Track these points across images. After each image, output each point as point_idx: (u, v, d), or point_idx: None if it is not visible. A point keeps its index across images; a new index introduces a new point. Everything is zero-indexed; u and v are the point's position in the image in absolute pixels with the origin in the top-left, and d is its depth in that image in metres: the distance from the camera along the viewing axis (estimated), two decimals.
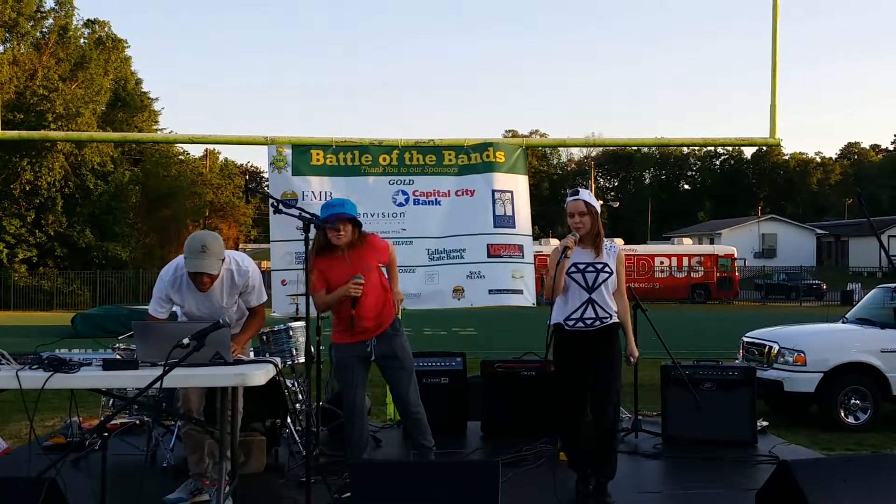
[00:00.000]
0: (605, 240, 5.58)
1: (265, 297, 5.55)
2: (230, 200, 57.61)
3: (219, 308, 5.26)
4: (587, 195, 5.56)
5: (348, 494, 4.96)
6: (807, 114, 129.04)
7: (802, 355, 9.19)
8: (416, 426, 5.64)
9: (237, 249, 5.69)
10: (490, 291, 7.95)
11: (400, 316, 5.93)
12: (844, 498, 4.28)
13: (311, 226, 5.00)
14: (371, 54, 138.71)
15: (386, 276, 5.77)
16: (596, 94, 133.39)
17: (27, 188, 42.28)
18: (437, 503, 3.73)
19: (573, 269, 5.47)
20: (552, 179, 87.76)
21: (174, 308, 5.58)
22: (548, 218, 75.28)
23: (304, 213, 5.10)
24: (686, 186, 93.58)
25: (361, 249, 5.50)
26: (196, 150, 68.39)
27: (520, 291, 8.05)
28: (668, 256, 46.32)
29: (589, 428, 5.67)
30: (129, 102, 52.86)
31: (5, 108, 38.66)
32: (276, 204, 5.52)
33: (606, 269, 5.48)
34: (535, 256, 8.47)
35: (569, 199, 5.60)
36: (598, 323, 5.46)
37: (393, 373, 5.63)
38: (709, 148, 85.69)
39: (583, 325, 5.47)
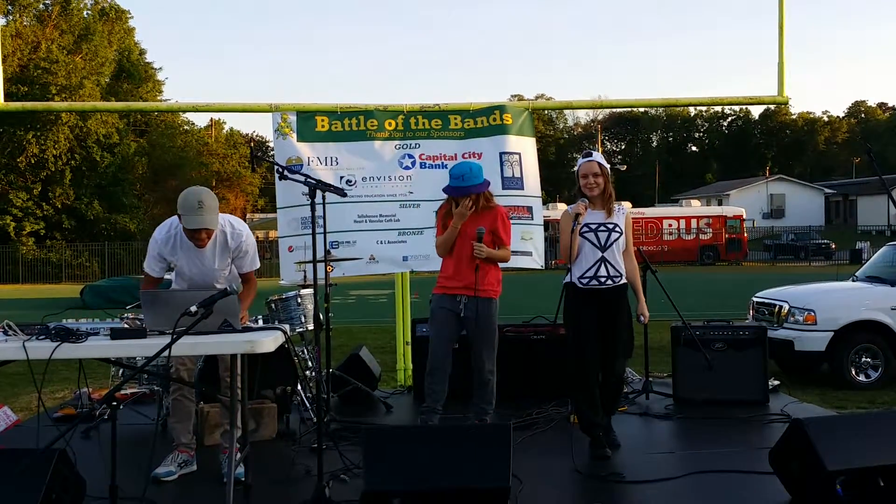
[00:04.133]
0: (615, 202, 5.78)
1: (258, 265, 5.48)
2: (236, 170, 57.48)
3: (210, 269, 5.22)
4: (600, 157, 5.78)
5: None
6: (813, 73, 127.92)
7: (813, 314, 9.13)
8: (483, 390, 5.77)
9: (244, 219, 5.62)
10: None
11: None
12: (858, 455, 4.26)
13: (317, 190, 4.94)
14: (375, 19, 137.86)
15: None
16: (601, 59, 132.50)
17: (33, 161, 42.31)
18: (450, 467, 3.72)
19: (585, 229, 5.64)
20: (559, 144, 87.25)
21: (168, 276, 5.54)
22: (555, 182, 74.97)
23: (309, 179, 5.04)
24: (694, 148, 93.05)
25: (486, 213, 5.79)
26: (201, 121, 68.36)
27: (529, 253, 8.01)
28: (677, 219, 46.15)
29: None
30: (133, 73, 52.69)
31: (9, 81, 38.53)
32: (281, 170, 5.46)
33: (617, 229, 5.66)
34: (544, 220, 8.43)
35: (582, 160, 5.78)
36: (609, 282, 5.64)
37: (475, 337, 5.73)
38: (716, 109, 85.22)
39: (596, 282, 5.64)
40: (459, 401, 6.04)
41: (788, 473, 4.54)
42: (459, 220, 5.69)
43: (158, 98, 53.11)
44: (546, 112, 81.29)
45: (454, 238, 5.75)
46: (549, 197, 61.83)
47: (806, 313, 9.17)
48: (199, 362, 5.85)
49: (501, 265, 8.10)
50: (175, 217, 5.11)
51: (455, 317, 5.75)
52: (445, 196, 7.67)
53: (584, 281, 5.65)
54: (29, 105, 12.93)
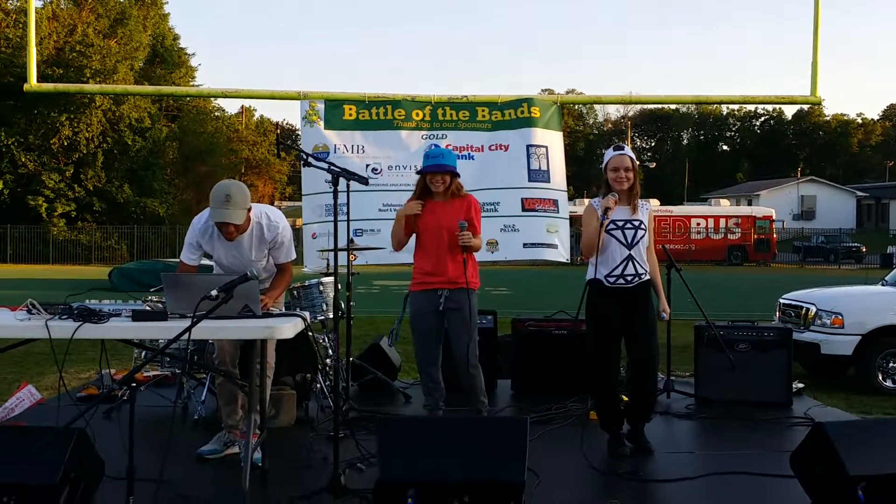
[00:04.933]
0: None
1: (294, 256, 5.53)
2: (265, 157, 57.73)
3: (247, 260, 5.26)
4: (630, 151, 5.64)
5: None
6: (848, 74, 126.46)
7: (840, 318, 9.02)
8: (474, 385, 5.65)
9: (272, 206, 5.68)
10: (525, 245, 7.92)
11: None
12: (881, 461, 4.19)
13: (340, 178, 4.94)
14: (404, 10, 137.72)
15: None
16: (632, 57, 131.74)
17: (65, 143, 42.79)
18: (465, 459, 3.70)
19: (612, 226, 5.52)
20: (588, 139, 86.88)
21: (211, 262, 5.60)
22: (584, 178, 74.70)
23: (333, 167, 5.04)
24: (725, 147, 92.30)
25: (457, 201, 5.68)
26: (232, 108, 68.68)
27: (554, 246, 8.01)
28: (706, 218, 45.78)
29: (622, 385, 5.81)
30: (166, 59, 53.12)
31: (45, 63, 39.01)
32: (305, 157, 5.47)
33: (643, 226, 5.56)
34: (571, 215, 8.41)
35: (613, 153, 5.63)
36: (636, 279, 5.53)
37: (455, 326, 5.62)
38: (748, 108, 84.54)
39: (623, 281, 5.53)
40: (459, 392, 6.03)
41: (809, 477, 4.47)
42: (406, 212, 5.57)
43: (191, 84, 53.42)
44: (576, 108, 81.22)
45: (401, 230, 5.64)
46: (577, 193, 61.61)
47: (833, 316, 9.06)
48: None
49: (527, 257, 8.15)
50: None
51: (436, 312, 5.65)
52: (470, 189, 7.76)
53: (612, 279, 5.53)
54: (61, 87, 13.02)
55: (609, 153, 5.66)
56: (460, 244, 5.49)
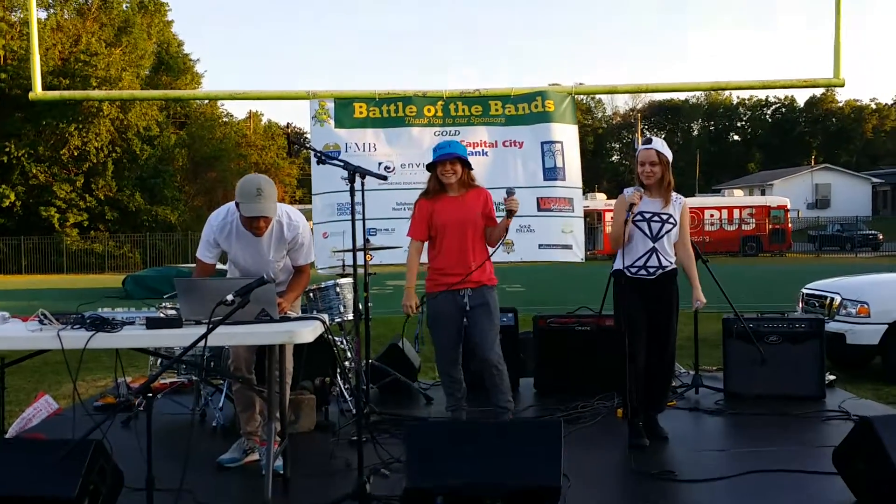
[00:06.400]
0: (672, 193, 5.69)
1: (313, 258, 5.41)
2: (275, 161, 57.78)
3: (265, 260, 5.13)
4: (659, 144, 5.68)
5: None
6: (861, 59, 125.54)
7: (866, 307, 8.83)
8: (501, 383, 5.51)
9: (292, 206, 5.57)
10: (540, 246, 7.78)
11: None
12: None
13: (357, 175, 4.79)
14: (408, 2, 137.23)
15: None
16: (641, 46, 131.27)
17: (75, 153, 42.89)
18: (497, 464, 3.55)
19: (639, 217, 5.56)
20: (597, 133, 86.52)
21: (224, 267, 5.48)
22: (594, 172, 74.39)
23: (349, 164, 4.90)
24: (736, 137, 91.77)
25: (472, 192, 5.66)
26: (240, 113, 68.67)
27: (569, 247, 7.86)
28: (719, 209, 45.52)
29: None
30: (171, 66, 53.11)
31: (51, 74, 39.08)
32: (318, 155, 5.33)
33: (671, 220, 5.61)
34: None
35: (641, 147, 5.68)
36: (659, 271, 5.59)
37: (481, 324, 5.51)
38: (759, 97, 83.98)
39: (645, 272, 5.59)
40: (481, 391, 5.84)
41: (853, 474, 4.31)
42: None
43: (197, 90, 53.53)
44: (584, 101, 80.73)
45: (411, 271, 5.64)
46: (587, 187, 61.35)
47: (859, 305, 8.87)
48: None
49: (542, 258, 7.99)
50: (231, 204, 5.03)
51: (458, 313, 5.54)
52: (485, 186, 7.60)
53: (633, 270, 5.58)
54: (66, 94, 12.94)
55: (639, 147, 5.70)
56: (508, 209, 5.40)
